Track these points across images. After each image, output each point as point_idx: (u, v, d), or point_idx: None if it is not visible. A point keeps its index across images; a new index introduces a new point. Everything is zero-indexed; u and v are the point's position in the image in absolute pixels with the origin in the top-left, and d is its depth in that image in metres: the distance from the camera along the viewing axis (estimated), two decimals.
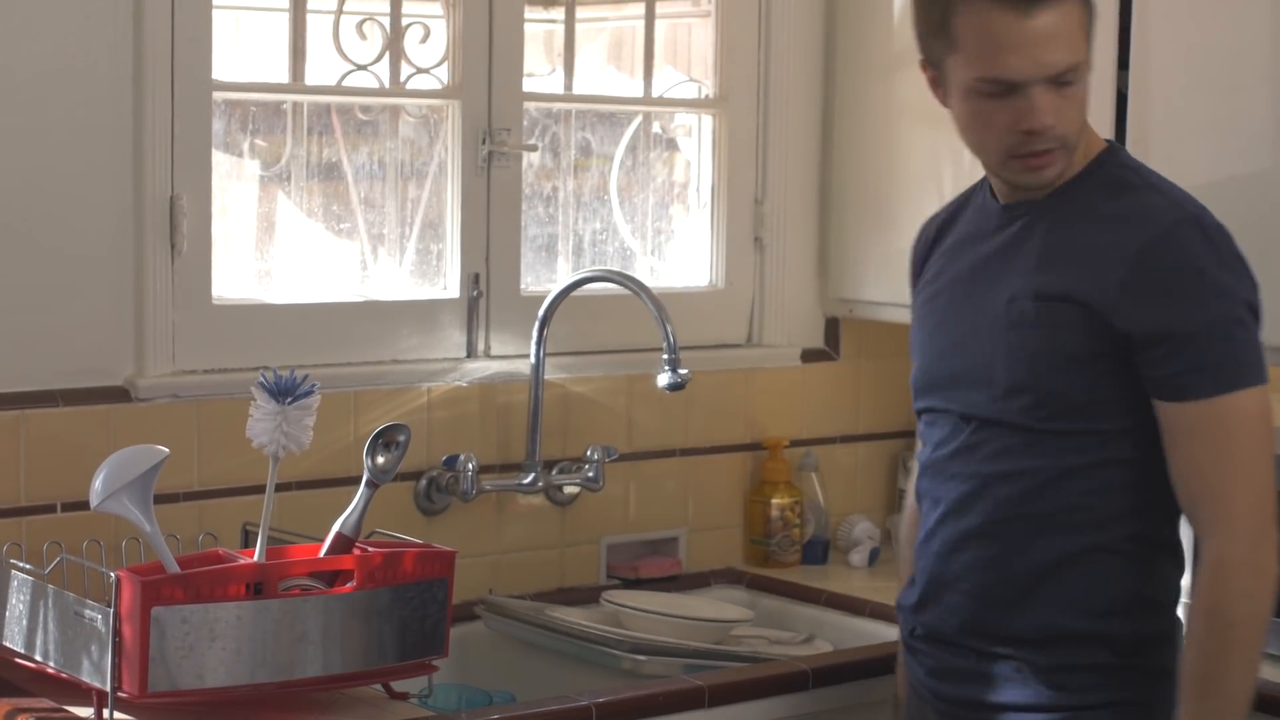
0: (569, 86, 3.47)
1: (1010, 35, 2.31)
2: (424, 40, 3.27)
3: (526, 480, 3.29)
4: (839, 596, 3.40)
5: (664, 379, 3.13)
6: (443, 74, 3.29)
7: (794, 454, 3.65)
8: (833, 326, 3.74)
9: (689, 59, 3.67)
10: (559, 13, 3.47)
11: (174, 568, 2.50)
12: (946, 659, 2.51)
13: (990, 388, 2.44)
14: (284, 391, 2.55)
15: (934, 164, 3.42)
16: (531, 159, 3.40)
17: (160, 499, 2.57)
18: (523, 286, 3.37)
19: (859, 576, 3.56)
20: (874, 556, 3.62)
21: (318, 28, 3.18)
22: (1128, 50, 3.12)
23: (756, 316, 3.66)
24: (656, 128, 3.62)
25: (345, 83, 3.21)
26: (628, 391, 3.46)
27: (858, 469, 3.74)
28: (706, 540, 3.57)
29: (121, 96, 2.93)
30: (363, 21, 3.24)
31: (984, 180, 2.57)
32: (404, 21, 3.26)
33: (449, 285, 3.30)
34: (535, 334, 3.26)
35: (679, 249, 3.65)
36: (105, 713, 2.46)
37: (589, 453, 3.32)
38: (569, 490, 3.38)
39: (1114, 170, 2.45)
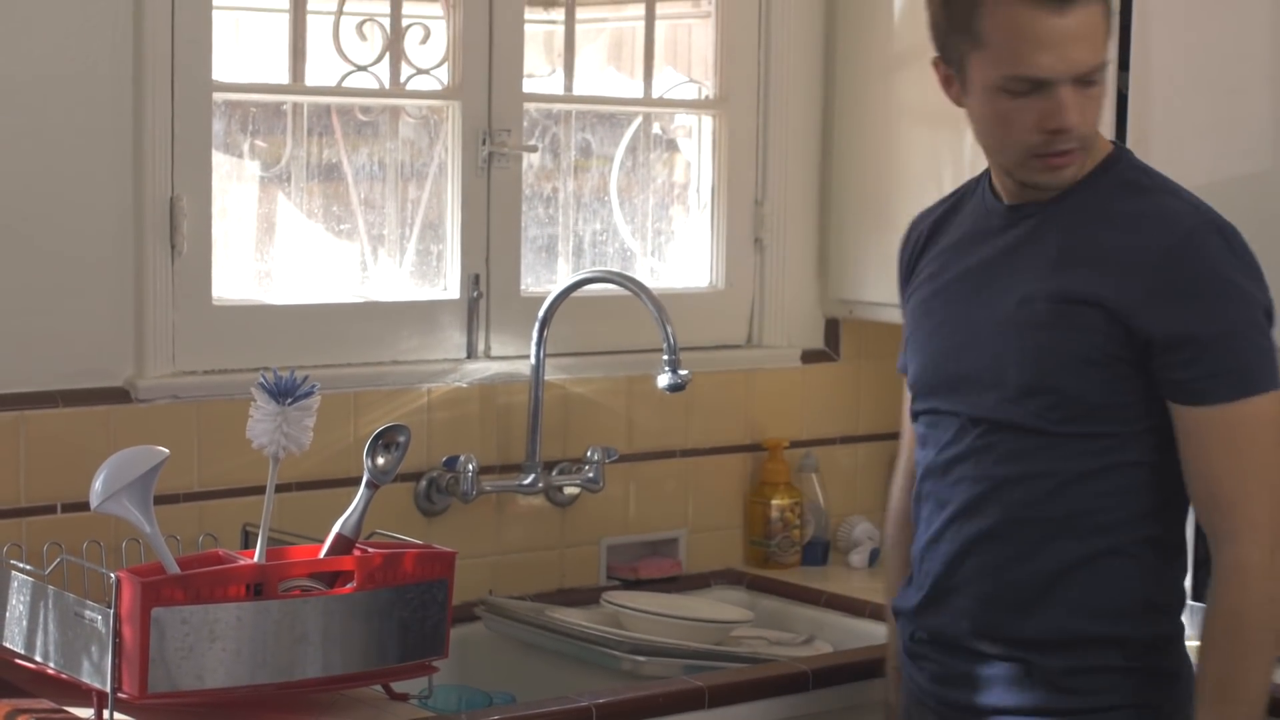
0: (569, 87, 3.47)
1: (1043, 33, 2.29)
2: (424, 41, 3.27)
3: (526, 481, 3.29)
4: (839, 597, 3.40)
5: (664, 380, 3.13)
6: (443, 75, 3.29)
7: (794, 455, 3.65)
8: (833, 327, 3.74)
9: (689, 60, 3.67)
10: (559, 13, 3.47)
11: (174, 569, 2.50)
12: (953, 664, 2.50)
13: (1000, 390, 2.42)
14: (284, 392, 2.55)
15: (934, 164, 3.42)
16: (531, 160, 3.40)
17: (160, 500, 2.57)
18: (523, 287, 3.37)
19: (859, 578, 3.56)
20: (874, 557, 3.61)
21: (318, 28, 3.18)
22: (1128, 50, 3.11)
23: (756, 317, 3.66)
24: (656, 128, 3.62)
25: (345, 83, 3.21)
26: (628, 392, 3.46)
27: (858, 470, 3.74)
28: (706, 541, 3.57)
29: (121, 97, 2.93)
30: (363, 22, 3.24)
31: (980, 179, 2.55)
32: (404, 22, 3.26)
33: (449, 286, 3.30)
34: (535, 335, 3.26)
35: (679, 250, 3.65)
36: (105, 714, 2.46)
37: (589, 454, 3.32)
38: (569, 491, 3.38)
39: (1125, 172, 2.44)
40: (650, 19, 3.56)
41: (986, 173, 2.53)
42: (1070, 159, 2.38)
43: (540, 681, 3.06)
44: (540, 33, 3.47)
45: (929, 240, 2.60)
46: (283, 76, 3.16)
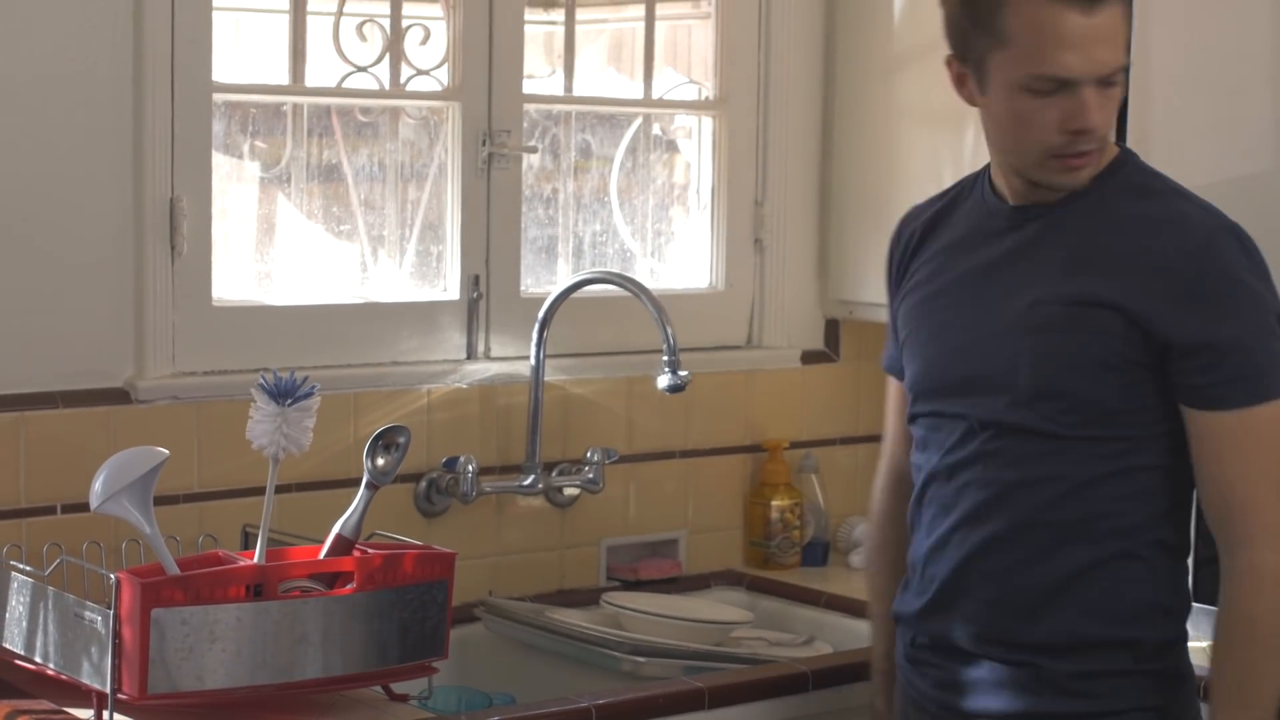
0: (569, 88, 3.47)
1: (1070, 33, 2.28)
2: (424, 42, 3.27)
3: (526, 482, 3.29)
4: (839, 598, 3.40)
5: (664, 381, 3.13)
6: (443, 76, 3.29)
7: (794, 456, 3.65)
8: (833, 328, 3.74)
9: (689, 61, 3.67)
10: (559, 14, 3.47)
11: (174, 569, 2.50)
12: (958, 669, 2.48)
13: (1012, 393, 2.39)
14: (284, 393, 2.55)
15: (934, 164, 3.42)
16: (531, 161, 3.40)
17: (160, 500, 2.57)
18: (523, 288, 3.37)
19: (859, 578, 3.54)
20: None
21: (318, 29, 3.18)
22: (1128, 51, 3.11)
23: (756, 318, 3.66)
24: (656, 129, 3.62)
25: (345, 84, 3.21)
26: (627, 393, 3.45)
27: (858, 471, 3.73)
28: (706, 542, 3.57)
29: (121, 98, 2.93)
30: (363, 23, 3.24)
31: (977, 177, 2.53)
32: (404, 23, 3.26)
33: (449, 287, 3.30)
34: (535, 336, 3.26)
35: (679, 251, 3.64)
36: (105, 714, 2.46)
37: (589, 454, 3.32)
38: (569, 492, 3.38)
39: (1132, 175, 2.43)
40: (650, 20, 3.56)
41: (984, 171, 2.52)
42: (1088, 160, 2.36)
43: (540, 682, 3.06)
44: (540, 34, 3.47)
45: (923, 239, 2.57)
46: (283, 77, 3.16)
